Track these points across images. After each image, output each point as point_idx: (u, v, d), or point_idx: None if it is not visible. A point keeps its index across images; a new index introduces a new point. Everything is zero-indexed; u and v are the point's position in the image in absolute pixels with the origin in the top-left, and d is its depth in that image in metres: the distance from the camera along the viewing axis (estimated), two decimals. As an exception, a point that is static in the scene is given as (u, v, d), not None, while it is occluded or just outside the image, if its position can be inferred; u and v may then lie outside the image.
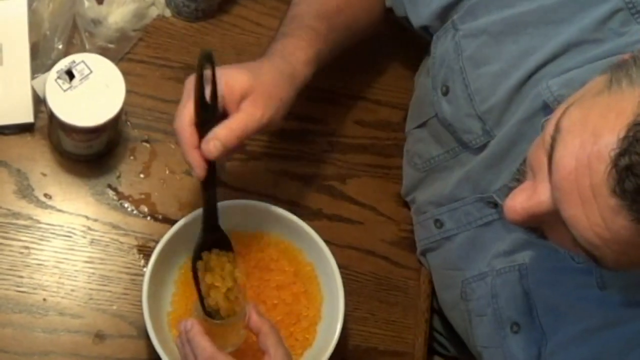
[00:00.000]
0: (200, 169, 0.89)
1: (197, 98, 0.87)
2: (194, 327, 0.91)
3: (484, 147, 1.00)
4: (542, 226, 0.76)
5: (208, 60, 0.85)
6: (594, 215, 0.65)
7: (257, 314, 0.93)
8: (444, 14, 1.04)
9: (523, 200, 0.73)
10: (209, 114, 0.88)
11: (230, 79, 0.89)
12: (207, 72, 0.87)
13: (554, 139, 0.69)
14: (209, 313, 0.93)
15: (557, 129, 0.69)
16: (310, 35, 1.01)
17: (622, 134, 0.63)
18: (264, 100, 0.91)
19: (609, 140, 0.63)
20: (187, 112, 0.88)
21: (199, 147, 0.88)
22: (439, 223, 1.11)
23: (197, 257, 0.95)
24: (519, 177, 0.77)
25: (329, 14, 1.06)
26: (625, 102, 0.64)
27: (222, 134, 0.88)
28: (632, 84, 0.65)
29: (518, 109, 0.94)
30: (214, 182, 0.91)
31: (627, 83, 0.66)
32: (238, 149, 0.92)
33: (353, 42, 1.12)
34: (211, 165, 0.89)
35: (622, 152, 0.63)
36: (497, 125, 0.98)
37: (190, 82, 0.89)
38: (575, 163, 0.66)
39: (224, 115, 0.90)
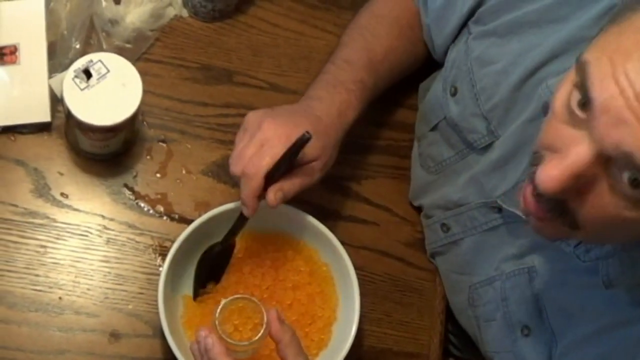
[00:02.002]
0: (253, 212, 0.98)
1: (280, 160, 0.95)
2: (215, 347, 0.89)
3: (488, 147, 1.01)
4: (570, 201, 0.73)
5: (307, 142, 0.93)
6: None
7: (279, 321, 0.92)
8: (463, 27, 1.06)
9: (556, 163, 0.71)
10: (279, 171, 0.96)
11: (306, 147, 0.95)
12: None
13: (582, 76, 0.68)
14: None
15: (581, 67, 0.68)
16: (361, 91, 1.08)
17: None
18: (322, 167, 1.02)
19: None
20: (264, 166, 0.95)
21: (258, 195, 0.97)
22: (445, 227, 1.11)
23: (207, 260, 1.04)
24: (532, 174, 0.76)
25: (376, 64, 1.10)
26: (637, 20, 0.66)
27: (286, 188, 0.98)
28: (634, 10, 0.66)
29: (522, 110, 0.95)
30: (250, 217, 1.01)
31: (630, 11, 0.67)
32: None
33: (396, 82, 1.17)
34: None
35: None
36: (501, 125, 0.99)
37: (269, 131, 0.96)
38: (614, 81, 0.65)
39: None
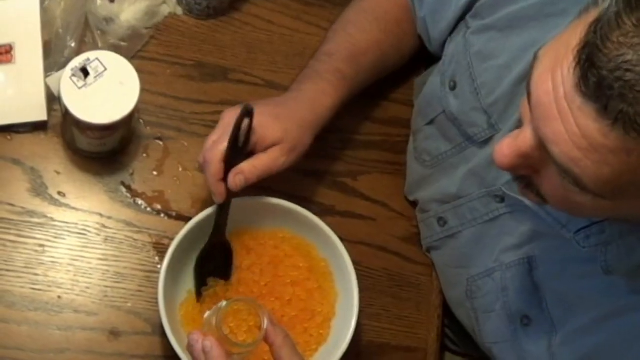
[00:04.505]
0: (221, 197, 0.99)
1: (231, 141, 0.95)
2: (214, 350, 0.89)
3: (488, 140, 1.02)
4: (532, 175, 0.77)
5: (248, 115, 0.95)
6: (570, 124, 0.66)
7: (272, 323, 0.92)
8: (460, 20, 1.06)
9: (510, 141, 0.75)
10: (238, 154, 0.97)
11: (264, 130, 0.99)
12: (245, 121, 0.96)
13: (532, 67, 0.71)
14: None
15: (534, 58, 0.71)
16: (339, 80, 1.08)
17: (584, 33, 0.65)
18: (288, 150, 1.01)
19: (576, 44, 0.66)
20: (220, 149, 0.97)
21: (222, 179, 0.98)
22: (442, 221, 1.12)
23: (201, 259, 1.03)
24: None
25: (358, 56, 1.11)
26: (590, 17, 0.67)
27: (247, 171, 0.98)
28: (597, 5, 0.68)
29: None
30: (229, 206, 1.01)
31: (593, 6, 0.68)
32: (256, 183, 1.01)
33: (382, 77, 1.18)
34: (229, 193, 0.99)
35: (584, 46, 0.65)
36: (502, 118, 0.99)
37: (227, 117, 0.98)
38: (551, 76, 0.68)
39: (250, 152, 1.00)
